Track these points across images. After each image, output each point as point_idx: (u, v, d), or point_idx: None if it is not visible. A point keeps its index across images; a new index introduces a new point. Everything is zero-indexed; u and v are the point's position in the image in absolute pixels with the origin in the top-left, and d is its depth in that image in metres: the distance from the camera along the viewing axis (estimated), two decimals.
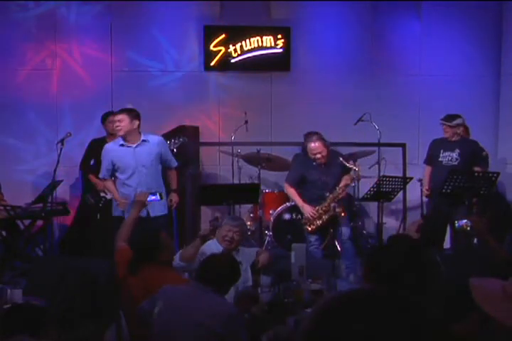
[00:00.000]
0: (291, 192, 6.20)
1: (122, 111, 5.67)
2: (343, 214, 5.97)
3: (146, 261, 3.84)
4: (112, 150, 5.71)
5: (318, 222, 6.03)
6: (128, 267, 3.83)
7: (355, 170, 5.93)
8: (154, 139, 5.79)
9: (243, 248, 4.89)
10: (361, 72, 8.13)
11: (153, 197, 5.10)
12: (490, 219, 4.36)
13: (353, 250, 6.24)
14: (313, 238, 6.14)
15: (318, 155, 5.95)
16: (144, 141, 5.66)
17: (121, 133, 5.56)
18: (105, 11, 7.78)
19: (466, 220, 4.15)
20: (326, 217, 6.00)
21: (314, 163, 6.06)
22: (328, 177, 6.04)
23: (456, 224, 4.24)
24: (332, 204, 5.94)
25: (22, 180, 7.57)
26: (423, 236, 4.19)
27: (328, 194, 5.98)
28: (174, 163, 5.91)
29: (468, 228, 4.07)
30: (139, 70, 7.89)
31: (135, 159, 5.57)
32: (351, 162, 6.09)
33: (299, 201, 6.14)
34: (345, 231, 6.15)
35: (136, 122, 5.63)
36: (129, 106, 5.95)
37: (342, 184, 6.00)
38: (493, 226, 4.11)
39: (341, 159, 5.98)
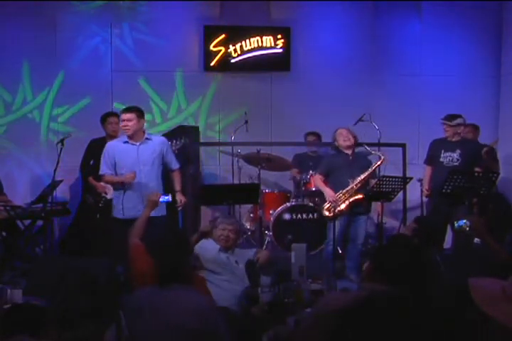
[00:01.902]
0: (317, 179, 6.40)
1: (130, 109, 5.60)
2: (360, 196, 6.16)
3: None
4: (115, 147, 5.68)
5: (338, 209, 6.11)
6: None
7: (380, 156, 6.20)
8: (157, 139, 5.81)
9: (238, 249, 4.92)
10: (361, 72, 8.14)
11: (166, 198, 5.17)
12: (489, 219, 4.36)
13: (359, 252, 6.26)
14: (333, 234, 6.15)
15: (347, 139, 6.20)
16: (147, 139, 5.66)
17: (130, 132, 5.54)
18: (106, 11, 7.81)
19: (465, 220, 4.14)
20: (347, 203, 6.11)
21: (343, 154, 6.25)
22: (354, 168, 6.21)
23: (456, 225, 4.23)
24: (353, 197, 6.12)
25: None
26: (420, 238, 4.19)
27: (350, 181, 6.13)
28: (176, 165, 5.89)
29: (468, 228, 4.06)
30: (138, 70, 7.91)
31: (138, 157, 5.56)
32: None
33: (322, 186, 6.30)
34: (361, 235, 6.27)
35: (143, 121, 5.66)
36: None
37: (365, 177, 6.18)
38: (493, 226, 4.10)
39: (366, 147, 6.29)
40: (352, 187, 6.13)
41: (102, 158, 5.70)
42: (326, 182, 6.32)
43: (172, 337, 2.99)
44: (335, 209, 6.11)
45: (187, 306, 3.07)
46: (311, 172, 6.99)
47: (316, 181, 6.43)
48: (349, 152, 6.25)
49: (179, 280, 3.22)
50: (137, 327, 3.07)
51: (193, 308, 3.06)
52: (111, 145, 5.76)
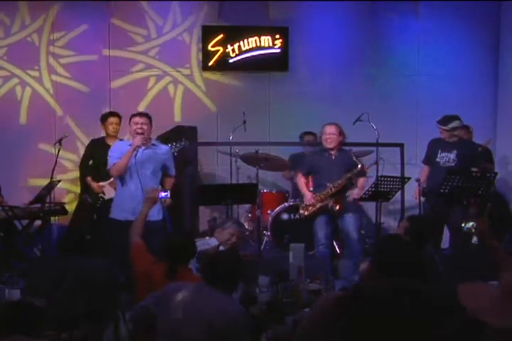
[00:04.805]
0: (299, 180, 6.36)
1: (144, 114, 5.73)
2: (337, 208, 6.06)
3: (179, 264, 3.86)
4: (122, 145, 5.76)
5: (313, 208, 6.11)
6: (166, 273, 3.81)
7: (358, 166, 6.04)
8: (163, 148, 5.84)
9: None
10: (359, 72, 8.14)
11: (164, 194, 5.17)
12: (489, 218, 4.37)
13: (359, 251, 6.21)
14: (322, 234, 6.13)
15: (330, 136, 6.13)
16: (153, 145, 5.71)
17: (146, 136, 5.58)
18: (104, 11, 7.81)
19: (472, 223, 4.14)
20: (320, 204, 6.08)
21: (326, 154, 6.20)
22: (335, 169, 6.14)
23: (464, 227, 4.23)
24: (330, 203, 6.04)
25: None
26: (413, 237, 4.18)
27: (329, 184, 6.06)
28: (172, 172, 5.90)
29: (474, 230, 4.06)
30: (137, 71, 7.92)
31: (140, 160, 5.56)
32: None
33: (303, 189, 6.29)
34: (353, 232, 6.19)
35: (151, 127, 5.72)
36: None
37: (343, 180, 6.09)
38: (492, 226, 4.10)
39: (352, 153, 6.17)
40: (327, 192, 6.05)
41: (108, 157, 5.72)
42: (308, 181, 6.32)
43: (196, 333, 3.07)
44: (311, 209, 6.13)
45: (218, 306, 3.14)
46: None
47: (299, 182, 6.37)
48: (333, 151, 6.19)
49: (224, 282, 3.28)
50: (167, 316, 3.15)
51: (222, 309, 3.13)
52: (118, 143, 5.93)
